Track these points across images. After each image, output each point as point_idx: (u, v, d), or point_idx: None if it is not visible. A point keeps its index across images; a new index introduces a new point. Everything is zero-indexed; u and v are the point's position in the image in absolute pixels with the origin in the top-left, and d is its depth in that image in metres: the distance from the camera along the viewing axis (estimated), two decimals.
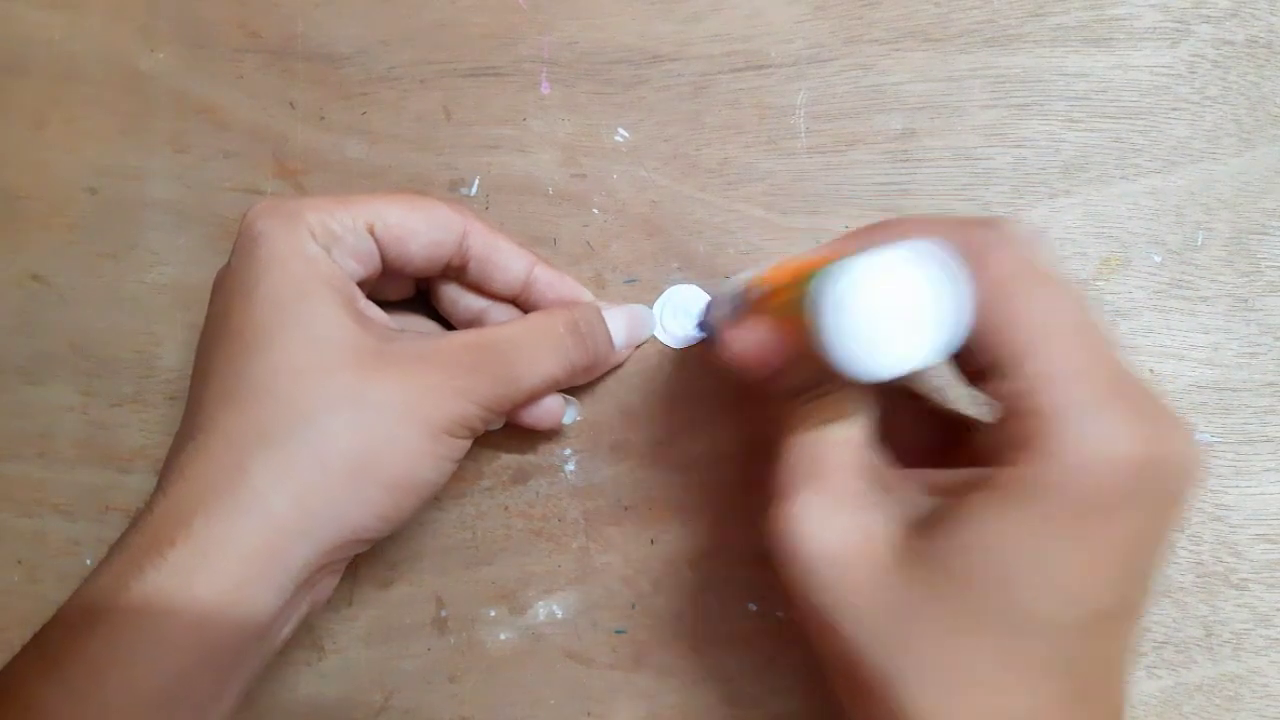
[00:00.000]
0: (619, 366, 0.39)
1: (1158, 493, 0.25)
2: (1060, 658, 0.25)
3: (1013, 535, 0.25)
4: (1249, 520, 0.38)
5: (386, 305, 0.36)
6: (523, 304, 0.38)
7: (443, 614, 0.39)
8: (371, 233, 0.33)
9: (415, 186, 0.40)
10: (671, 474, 0.39)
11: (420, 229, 0.34)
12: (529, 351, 0.34)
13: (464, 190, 0.40)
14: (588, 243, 0.40)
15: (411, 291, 0.38)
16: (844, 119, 0.40)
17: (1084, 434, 0.24)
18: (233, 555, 0.29)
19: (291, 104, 0.41)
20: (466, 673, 0.39)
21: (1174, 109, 0.39)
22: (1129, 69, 0.39)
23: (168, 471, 0.31)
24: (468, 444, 0.34)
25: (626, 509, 0.39)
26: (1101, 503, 0.24)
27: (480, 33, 0.41)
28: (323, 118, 0.41)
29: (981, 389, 0.27)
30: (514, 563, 0.39)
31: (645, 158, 0.40)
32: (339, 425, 0.30)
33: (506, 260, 0.36)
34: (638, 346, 0.39)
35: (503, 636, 0.39)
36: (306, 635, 0.39)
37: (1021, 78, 0.39)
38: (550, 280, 0.37)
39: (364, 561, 0.39)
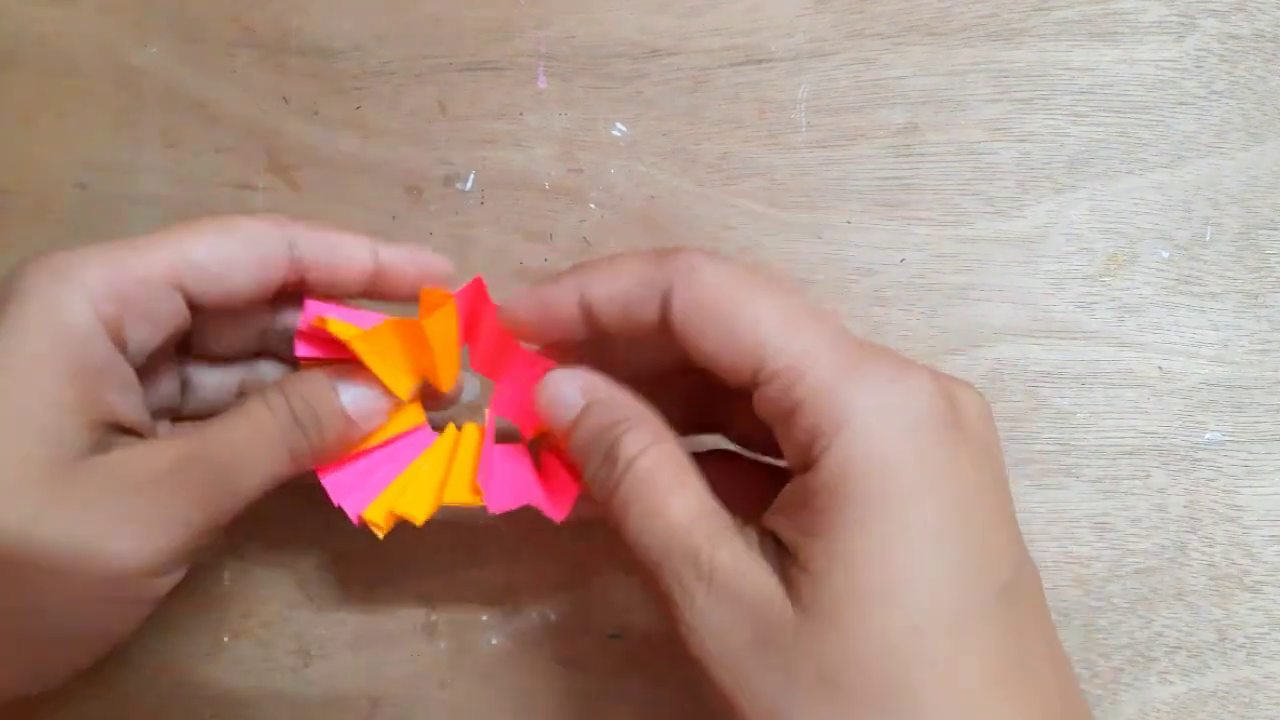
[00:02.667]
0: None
1: (954, 443, 0.25)
2: (940, 658, 0.23)
3: (861, 551, 0.24)
4: (1262, 521, 0.37)
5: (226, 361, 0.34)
6: (380, 294, 0.33)
7: (432, 618, 0.38)
8: (179, 283, 0.29)
9: (410, 182, 0.40)
10: None
11: (238, 258, 0.29)
12: (246, 454, 0.29)
13: (459, 185, 0.40)
14: (584, 238, 0.39)
15: (254, 343, 0.34)
16: (845, 113, 0.39)
17: (853, 420, 0.24)
18: None
19: (285, 99, 0.41)
20: (457, 678, 0.38)
21: (1180, 103, 0.38)
22: (1134, 63, 0.39)
23: None
24: (172, 579, 0.29)
25: None
26: (901, 482, 0.24)
27: (476, 27, 0.40)
28: (316, 112, 0.41)
29: (759, 412, 0.27)
30: (506, 566, 0.38)
31: (643, 153, 0.39)
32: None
33: (347, 253, 0.31)
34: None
35: (494, 641, 0.38)
36: (292, 640, 0.38)
37: (1025, 72, 0.39)
38: (399, 258, 0.32)
39: (351, 564, 0.38)
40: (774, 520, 0.26)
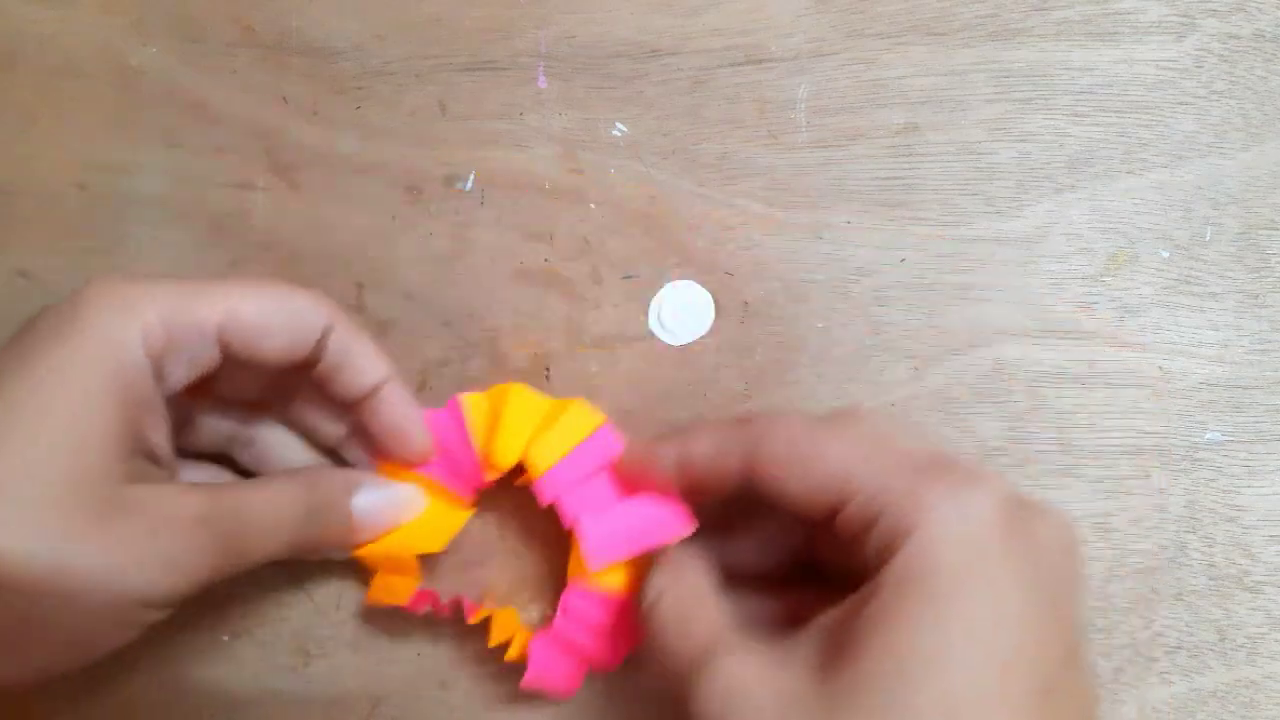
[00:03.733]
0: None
1: (1029, 547, 0.26)
2: None
3: (909, 630, 0.25)
4: (1263, 521, 0.37)
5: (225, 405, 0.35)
6: (355, 420, 0.35)
7: (434, 617, 0.38)
8: (222, 334, 0.30)
9: (410, 182, 0.40)
10: None
11: (277, 327, 0.31)
12: (261, 527, 0.31)
13: (459, 185, 0.40)
14: (585, 238, 0.39)
15: (255, 395, 0.35)
16: (845, 113, 0.39)
17: (926, 522, 0.26)
18: None
19: (285, 99, 0.41)
20: (458, 679, 0.38)
21: (1180, 103, 0.38)
22: (1134, 63, 0.39)
23: None
24: (168, 613, 0.31)
25: None
26: (965, 573, 0.25)
27: (477, 27, 0.40)
28: (316, 112, 0.41)
29: (839, 546, 0.29)
30: (508, 565, 0.38)
31: (643, 152, 0.39)
32: (34, 574, 0.26)
33: (361, 365, 0.33)
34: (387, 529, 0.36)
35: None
36: (291, 639, 0.38)
37: (1025, 72, 0.39)
38: (395, 406, 0.34)
39: (352, 563, 0.38)
40: (829, 616, 0.28)
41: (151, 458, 0.30)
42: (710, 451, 0.31)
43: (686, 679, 0.28)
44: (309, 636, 0.39)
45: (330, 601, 0.39)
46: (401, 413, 0.34)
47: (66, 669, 0.30)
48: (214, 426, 0.35)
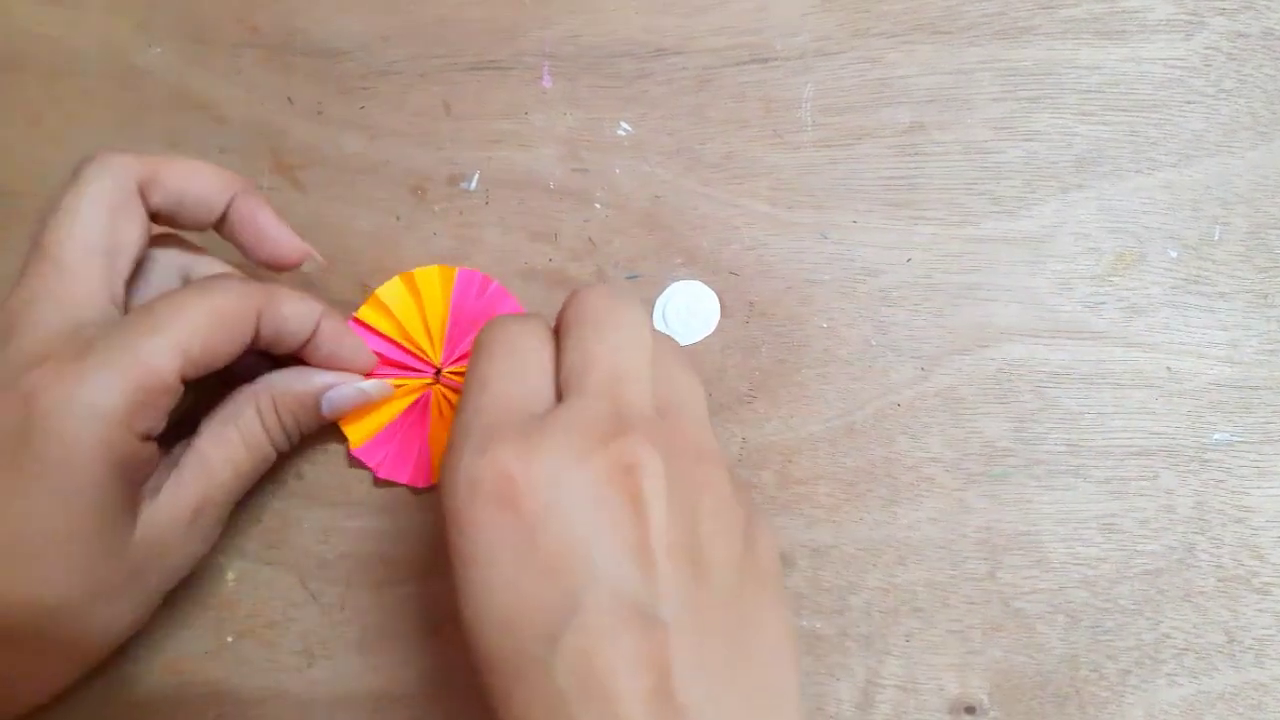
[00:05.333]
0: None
1: None
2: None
3: None
4: (1271, 522, 0.36)
5: None
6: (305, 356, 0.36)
7: (437, 618, 0.38)
8: (181, 375, 0.32)
9: (415, 182, 0.40)
10: None
11: (224, 345, 0.33)
12: (250, 472, 0.35)
13: (464, 185, 0.40)
14: (589, 238, 0.39)
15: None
16: (851, 112, 0.39)
17: None
18: None
19: (290, 99, 0.41)
20: (461, 679, 0.38)
21: (1189, 102, 0.38)
22: (1142, 61, 0.38)
23: None
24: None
25: None
26: None
27: (481, 27, 0.40)
28: (321, 113, 0.41)
29: None
30: None
31: (648, 152, 0.39)
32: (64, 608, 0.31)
33: (294, 327, 0.35)
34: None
35: None
36: (296, 640, 0.38)
37: (1032, 70, 0.39)
38: (329, 343, 0.36)
39: (356, 565, 0.38)
40: None
41: (144, 466, 0.32)
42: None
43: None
44: (313, 638, 0.38)
45: (335, 603, 0.38)
46: (336, 347, 0.36)
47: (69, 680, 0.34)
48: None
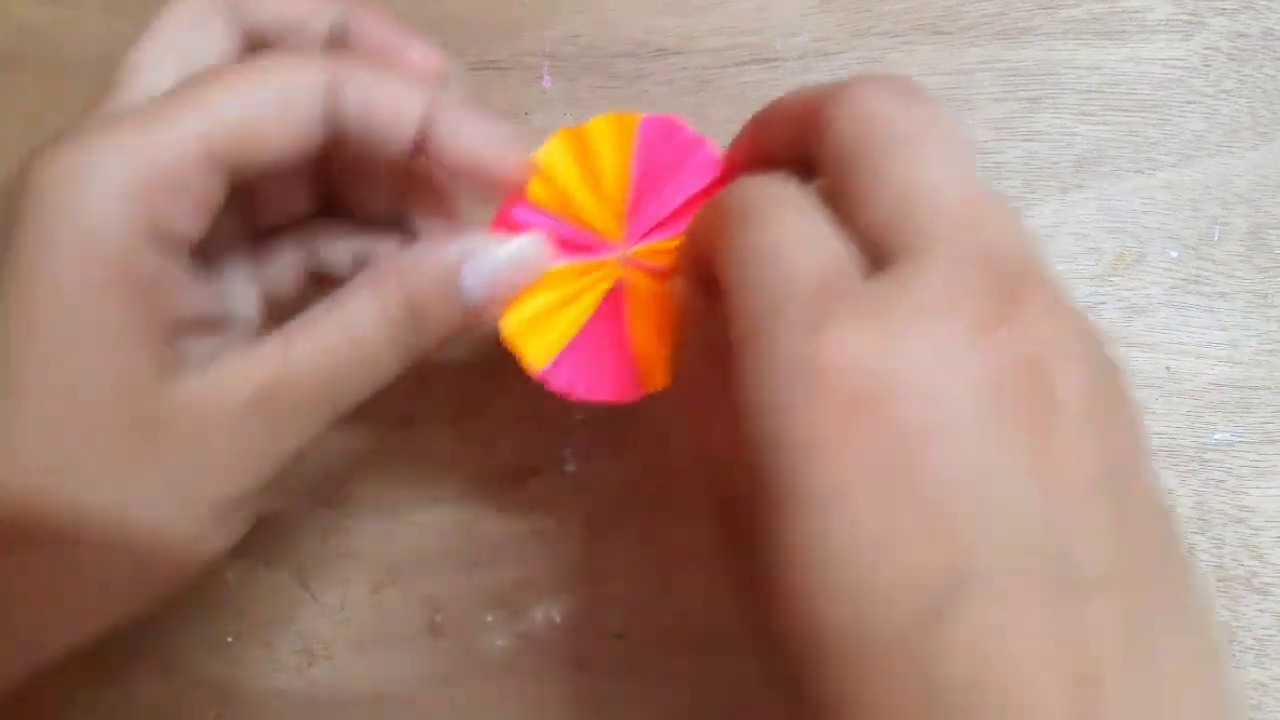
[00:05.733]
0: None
1: None
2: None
3: None
4: (1271, 523, 0.36)
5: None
6: (421, 171, 0.29)
7: (437, 619, 0.38)
8: (213, 157, 0.24)
9: None
10: (674, 474, 0.38)
11: (273, 116, 0.25)
12: (348, 368, 0.26)
13: None
14: None
15: (304, 209, 0.30)
16: None
17: None
18: None
19: None
20: (461, 679, 0.38)
21: (1189, 102, 0.38)
22: (1142, 62, 0.38)
23: None
24: (263, 504, 0.27)
25: (627, 510, 0.38)
26: None
27: (481, 26, 0.40)
28: None
29: None
30: (511, 566, 0.38)
31: None
32: (89, 505, 0.23)
33: (390, 101, 0.26)
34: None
35: (499, 642, 0.38)
36: (296, 640, 0.38)
37: (1032, 71, 0.39)
38: (459, 131, 0.26)
39: (356, 564, 0.38)
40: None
41: (194, 327, 0.26)
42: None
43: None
44: (313, 637, 0.38)
45: (335, 602, 0.38)
46: (474, 132, 0.27)
47: (135, 616, 0.27)
48: (346, 249, 0.31)
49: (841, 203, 0.22)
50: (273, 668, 0.38)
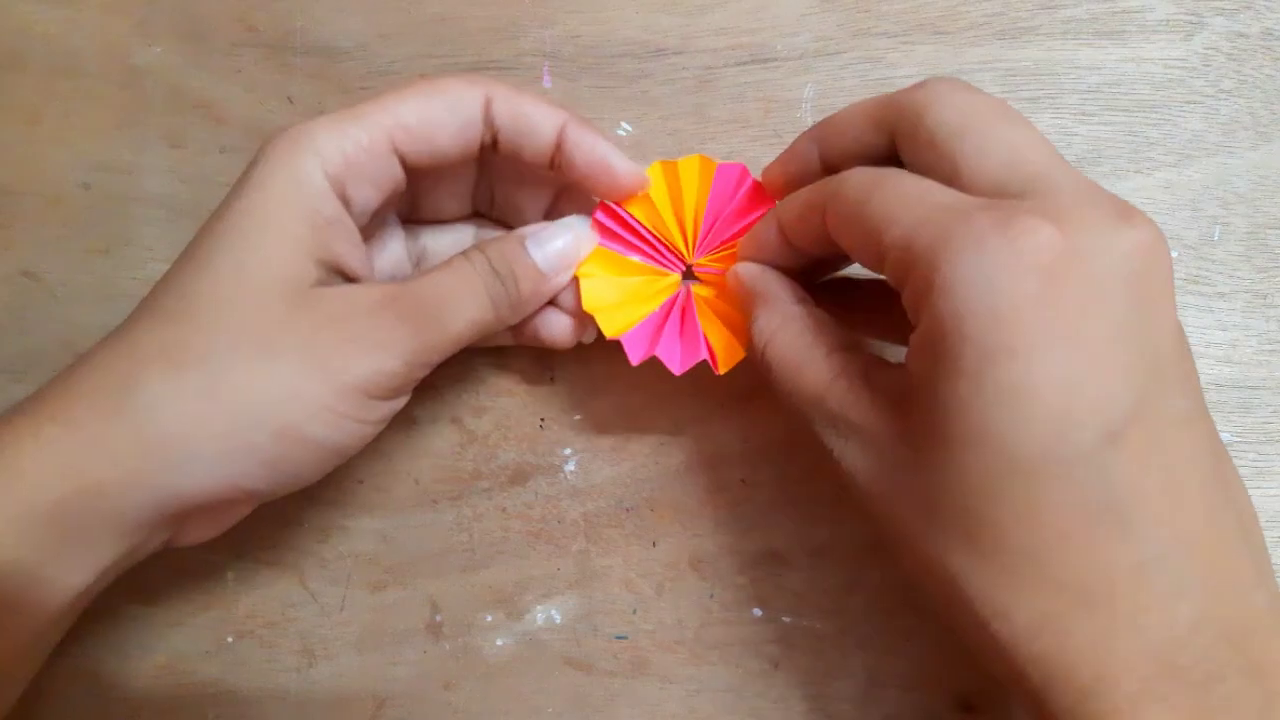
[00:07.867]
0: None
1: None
2: (1095, 484, 0.24)
3: (933, 405, 0.26)
4: (1271, 523, 0.37)
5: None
6: (558, 173, 0.35)
7: (437, 619, 0.38)
8: (394, 147, 0.32)
9: None
10: (674, 475, 0.38)
11: (444, 118, 0.32)
12: (451, 298, 0.33)
13: None
14: None
15: (467, 203, 0.37)
16: None
17: (943, 276, 0.25)
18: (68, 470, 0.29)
19: (289, 99, 0.41)
20: (462, 680, 0.38)
21: (1188, 102, 0.38)
22: (1142, 62, 0.38)
23: (72, 366, 0.31)
24: (389, 406, 0.33)
25: (628, 511, 0.38)
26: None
27: (481, 26, 0.40)
28: (321, 112, 0.40)
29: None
30: (511, 566, 0.38)
31: (649, 152, 0.39)
32: (240, 363, 0.30)
33: (534, 123, 0.33)
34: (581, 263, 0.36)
35: (499, 642, 0.38)
36: (296, 640, 0.38)
37: (1032, 71, 0.39)
38: (580, 142, 0.34)
39: (356, 565, 0.38)
40: (909, 362, 0.28)
41: (345, 272, 0.33)
42: (798, 211, 0.31)
43: (812, 421, 0.30)
44: (313, 638, 0.38)
45: (335, 603, 0.38)
46: (590, 143, 0.34)
47: (305, 475, 0.32)
48: (450, 248, 0.38)
49: (945, 168, 0.28)
50: (273, 668, 0.38)
